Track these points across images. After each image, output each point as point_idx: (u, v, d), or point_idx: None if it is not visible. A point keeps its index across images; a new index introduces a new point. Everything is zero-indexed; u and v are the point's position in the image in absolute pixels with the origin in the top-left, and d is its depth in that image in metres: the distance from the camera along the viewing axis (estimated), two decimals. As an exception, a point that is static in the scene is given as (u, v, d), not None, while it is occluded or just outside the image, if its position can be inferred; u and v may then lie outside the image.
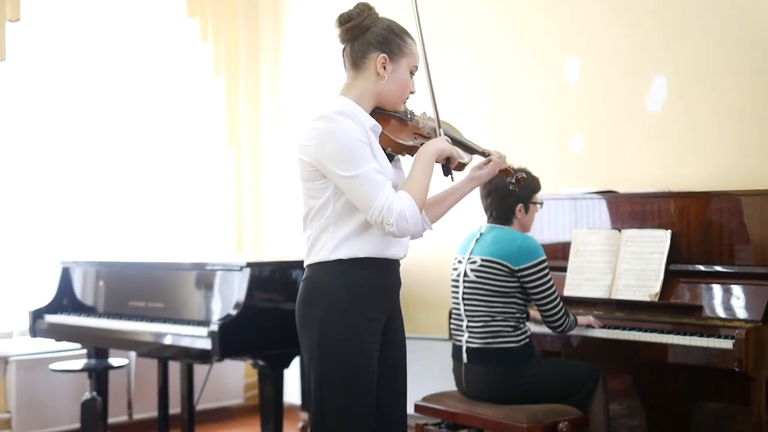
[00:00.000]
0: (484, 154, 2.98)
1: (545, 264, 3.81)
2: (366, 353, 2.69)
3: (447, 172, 2.78)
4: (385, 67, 2.72)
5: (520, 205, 3.94)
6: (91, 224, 5.84)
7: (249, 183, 6.49)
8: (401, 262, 2.85)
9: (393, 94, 2.76)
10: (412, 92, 2.81)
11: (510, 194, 3.90)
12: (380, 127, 2.73)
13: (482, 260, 3.86)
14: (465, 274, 3.91)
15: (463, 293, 3.91)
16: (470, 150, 2.96)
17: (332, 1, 6.10)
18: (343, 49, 2.80)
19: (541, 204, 4.05)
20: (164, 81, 6.15)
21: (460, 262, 3.99)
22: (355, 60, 2.75)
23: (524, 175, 3.11)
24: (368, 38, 2.73)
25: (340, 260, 2.68)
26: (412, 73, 2.79)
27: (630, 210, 4.23)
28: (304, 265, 2.78)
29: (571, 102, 4.86)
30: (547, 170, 4.85)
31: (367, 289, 2.70)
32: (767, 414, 3.61)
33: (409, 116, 2.84)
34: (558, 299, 3.83)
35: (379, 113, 2.78)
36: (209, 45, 6.23)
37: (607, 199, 4.34)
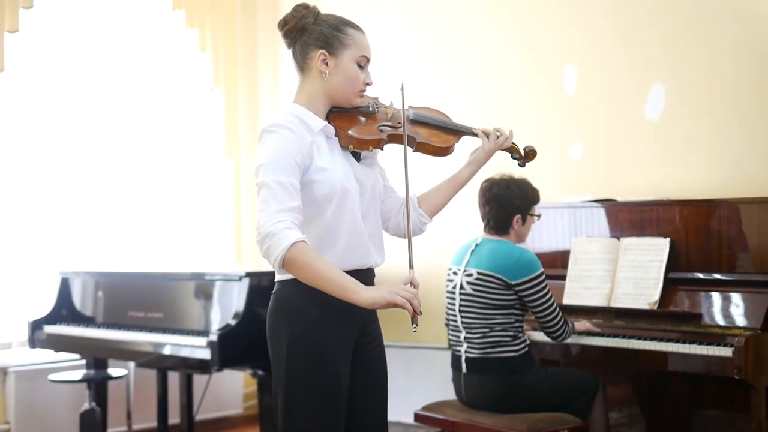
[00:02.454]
0: (473, 134, 2.85)
1: (543, 277, 3.81)
2: (332, 369, 2.60)
3: (412, 321, 2.41)
4: (326, 63, 2.62)
5: (518, 216, 3.94)
6: (90, 234, 5.83)
7: (248, 192, 6.48)
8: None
9: (342, 89, 2.64)
10: (368, 83, 2.68)
11: (509, 204, 3.90)
12: (332, 128, 2.63)
13: (479, 273, 3.85)
14: (461, 287, 3.90)
15: (460, 305, 3.90)
16: (457, 132, 2.83)
17: (331, 11, 6.10)
18: (291, 55, 2.72)
19: (539, 216, 4.04)
20: (163, 91, 6.15)
21: (455, 273, 3.98)
22: (299, 63, 2.68)
23: (533, 148, 2.91)
24: (306, 38, 2.65)
25: None
26: (361, 65, 2.65)
27: (629, 218, 4.23)
28: (275, 279, 2.69)
29: (569, 111, 4.86)
30: (546, 179, 4.85)
31: (336, 304, 2.52)
32: (767, 422, 3.60)
33: (371, 108, 2.71)
34: (557, 310, 3.83)
35: (336, 112, 2.68)
36: (208, 55, 6.23)
37: (606, 208, 4.34)
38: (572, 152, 4.84)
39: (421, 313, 2.41)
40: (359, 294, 2.42)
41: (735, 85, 4.21)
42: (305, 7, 2.68)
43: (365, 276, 2.66)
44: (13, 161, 5.54)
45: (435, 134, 2.79)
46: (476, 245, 3.96)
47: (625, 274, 4.09)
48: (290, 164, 2.51)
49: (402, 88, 2.65)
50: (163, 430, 5.21)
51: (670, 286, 3.95)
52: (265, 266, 5.54)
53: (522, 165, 2.94)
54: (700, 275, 3.91)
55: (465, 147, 2.94)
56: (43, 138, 5.65)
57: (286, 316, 2.63)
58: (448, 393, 4.27)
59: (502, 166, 3.80)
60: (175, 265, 5.65)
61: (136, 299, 4.89)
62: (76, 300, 5.22)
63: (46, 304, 5.26)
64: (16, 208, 5.54)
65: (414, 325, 2.41)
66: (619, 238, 4.18)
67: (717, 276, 3.86)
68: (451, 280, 4.00)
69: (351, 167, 2.66)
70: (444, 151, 2.78)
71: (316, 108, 2.65)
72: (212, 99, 6.34)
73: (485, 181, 3.99)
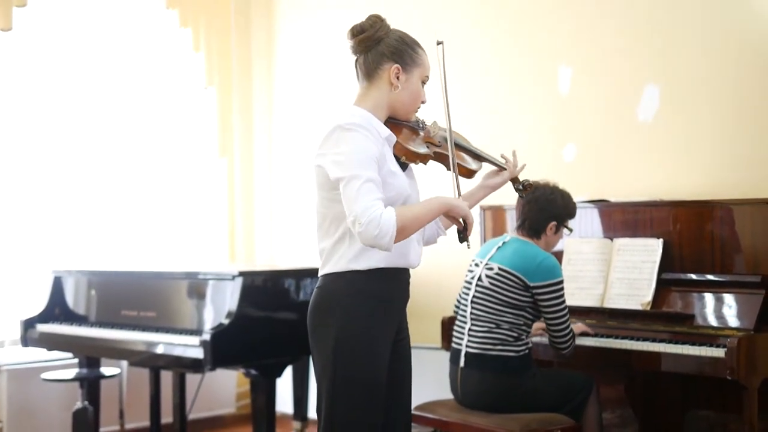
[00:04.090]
0: (497, 163, 3.09)
1: (561, 285, 3.81)
2: (379, 363, 2.70)
3: (462, 239, 2.73)
4: (398, 77, 2.76)
5: (553, 223, 3.95)
6: (83, 233, 5.82)
7: (241, 192, 6.48)
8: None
9: (406, 104, 2.80)
10: (423, 102, 2.85)
11: (548, 209, 3.92)
12: (395, 136, 2.76)
13: (499, 269, 3.86)
14: (479, 278, 3.91)
15: (473, 296, 3.91)
16: (480, 158, 3.04)
17: (325, 11, 6.11)
18: (356, 60, 2.82)
19: (571, 231, 4.05)
20: (157, 90, 6.15)
21: (477, 265, 3.99)
22: (369, 71, 2.78)
23: (531, 182, 3.18)
24: (381, 49, 2.77)
25: (357, 271, 2.68)
26: (423, 83, 2.83)
27: (622, 219, 4.24)
28: (319, 274, 2.78)
29: (563, 111, 4.87)
30: (540, 179, 4.86)
31: (382, 300, 2.72)
32: (760, 422, 3.61)
33: (420, 125, 2.88)
34: (568, 321, 3.83)
35: (392, 122, 2.81)
36: (202, 54, 6.23)
37: (599, 208, 4.35)
38: (566, 153, 4.85)
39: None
40: (448, 200, 2.69)
41: (728, 86, 4.23)
42: (380, 19, 2.82)
43: (404, 275, 2.82)
44: (6, 160, 5.53)
45: (468, 158, 3.01)
46: (504, 243, 3.97)
47: (618, 275, 4.09)
48: (373, 161, 2.62)
49: (441, 44, 2.88)
50: (155, 429, 5.21)
51: (663, 286, 3.96)
52: (258, 265, 5.56)
53: (522, 196, 3.23)
54: (693, 276, 3.92)
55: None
56: (36, 136, 5.65)
57: (334, 310, 2.70)
58: (442, 393, 4.28)
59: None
60: (169, 264, 5.65)
61: (129, 298, 4.88)
62: (69, 299, 5.21)
63: (38, 303, 5.26)
64: (8, 207, 5.53)
65: (467, 242, 2.71)
66: (612, 239, 4.19)
67: (710, 277, 3.87)
68: (471, 271, 4.00)
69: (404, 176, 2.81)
70: (472, 175, 3.00)
71: (378, 115, 2.77)
72: (206, 98, 6.34)
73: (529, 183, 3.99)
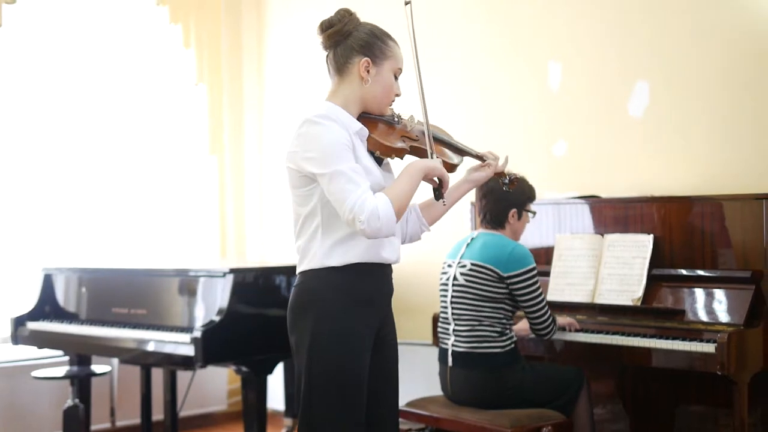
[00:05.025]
0: (478, 156, 3.01)
1: (535, 272, 3.82)
2: (356, 361, 2.68)
3: (438, 196, 2.76)
4: (368, 71, 2.74)
5: (513, 210, 3.95)
6: (73, 230, 5.81)
7: (232, 189, 6.47)
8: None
9: (378, 98, 2.77)
10: (397, 95, 2.83)
11: (505, 198, 3.92)
12: (367, 130, 2.74)
13: (472, 264, 3.87)
14: (454, 278, 3.92)
15: (452, 297, 3.91)
16: (461, 152, 2.99)
17: (315, 7, 6.10)
18: (327, 56, 2.81)
19: (534, 213, 4.06)
20: (147, 87, 6.13)
21: (449, 266, 3.99)
22: (339, 65, 2.77)
23: (517, 176, 3.11)
24: (350, 43, 2.75)
25: (332, 267, 2.67)
26: (396, 76, 2.80)
27: (613, 215, 4.24)
28: (297, 272, 2.77)
29: (553, 107, 4.88)
30: (530, 175, 4.84)
31: (360, 297, 2.70)
32: (750, 417, 3.62)
33: (396, 119, 2.85)
34: (546, 307, 3.84)
35: (365, 117, 2.79)
36: (192, 51, 6.22)
37: (590, 204, 4.35)
38: (556, 149, 4.85)
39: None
40: (424, 164, 2.69)
41: (718, 81, 4.23)
42: (349, 13, 2.79)
43: (385, 270, 2.80)
44: (-4, 157, 5.52)
45: (448, 152, 2.96)
46: (472, 239, 3.98)
47: (608, 271, 4.10)
48: (347, 149, 2.61)
49: (408, 3, 2.81)
50: (146, 427, 5.20)
51: (653, 282, 3.96)
52: (249, 262, 5.55)
53: (507, 190, 3.13)
54: (684, 271, 3.93)
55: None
56: (26, 134, 5.63)
57: (311, 307, 2.69)
58: (433, 389, 4.28)
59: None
60: (159, 261, 5.64)
61: (119, 295, 4.87)
62: (59, 296, 5.20)
63: (28, 301, 5.24)
64: (-2, 204, 5.52)
65: (443, 199, 2.74)
66: (603, 235, 4.20)
67: (700, 272, 3.88)
68: (445, 273, 4.00)
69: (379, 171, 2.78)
70: (454, 169, 2.94)
71: (350, 110, 2.75)
72: (196, 95, 6.33)
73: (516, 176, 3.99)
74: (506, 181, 3.08)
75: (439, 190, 2.75)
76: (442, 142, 2.94)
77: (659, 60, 4.44)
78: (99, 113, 5.93)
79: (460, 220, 4.74)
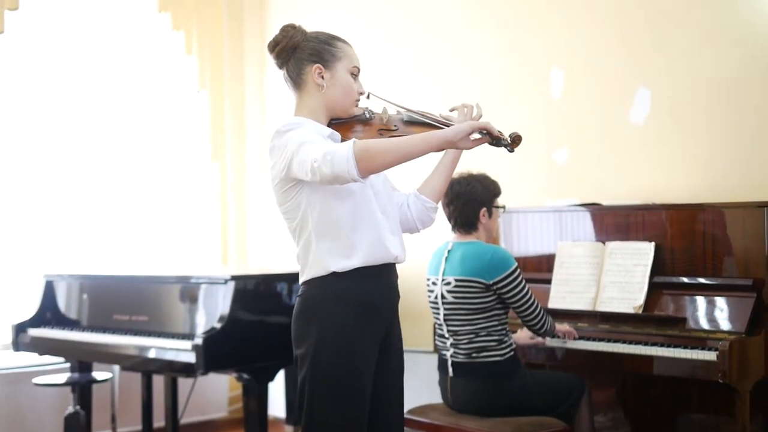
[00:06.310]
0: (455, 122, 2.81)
1: (518, 271, 3.80)
2: (359, 370, 2.67)
3: (500, 144, 2.69)
4: (322, 76, 2.74)
5: (483, 210, 3.92)
6: (74, 237, 5.81)
7: (234, 196, 6.48)
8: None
9: (340, 101, 2.76)
10: (361, 93, 2.80)
11: (473, 199, 3.88)
12: (338, 134, 2.72)
13: (456, 280, 3.85)
14: (443, 296, 3.90)
15: (444, 315, 3.90)
16: (445, 125, 2.79)
17: (318, 13, 6.11)
18: (283, 75, 2.82)
19: (504, 208, 4.03)
20: (149, 94, 6.14)
21: (434, 284, 3.96)
22: (295, 80, 2.79)
23: (518, 133, 2.78)
24: (299, 55, 2.77)
25: (334, 273, 2.66)
26: (354, 75, 2.79)
27: (614, 222, 4.24)
28: (299, 282, 2.77)
29: (555, 114, 4.87)
30: (532, 182, 4.87)
31: (365, 305, 2.69)
32: (751, 425, 3.62)
33: (368, 115, 2.82)
34: (535, 303, 3.82)
35: (336, 123, 2.78)
36: (194, 58, 6.23)
37: (592, 212, 4.35)
38: (557, 156, 4.85)
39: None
40: (447, 132, 2.56)
41: (720, 89, 4.23)
42: (293, 27, 2.82)
43: (389, 270, 2.77)
44: (-2, 163, 5.53)
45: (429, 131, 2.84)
46: (448, 252, 3.94)
47: (610, 278, 4.10)
48: (319, 135, 2.62)
49: (368, 97, 2.79)
50: (147, 434, 5.20)
51: (655, 290, 3.96)
52: (251, 269, 5.55)
53: (511, 150, 2.83)
54: (685, 279, 3.92)
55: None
56: (28, 140, 5.64)
57: (314, 316, 2.68)
58: (434, 397, 4.27)
59: (478, 158, 3.81)
60: (161, 268, 5.63)
61: (121, 302, 4.87)
62: (61, 303, 5.20)
63: (30, 307, 5.23)
64: (0, 211, 5.52)
65: (508, 146, 2.69)
66: (604, 242, 4.19)
67: (702, 280, 3.88)
68: (431, 291, 3.98)
69: None
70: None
71: (319, 120, 2.75)
72: (198, 102, 6.33)
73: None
74: (507, 141, 2.77)
75: (497, 141, 2.67)
76: (420, 124, 2.81)
77: (661, 68, 4.44)
78: (101, 120, 5.94)
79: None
